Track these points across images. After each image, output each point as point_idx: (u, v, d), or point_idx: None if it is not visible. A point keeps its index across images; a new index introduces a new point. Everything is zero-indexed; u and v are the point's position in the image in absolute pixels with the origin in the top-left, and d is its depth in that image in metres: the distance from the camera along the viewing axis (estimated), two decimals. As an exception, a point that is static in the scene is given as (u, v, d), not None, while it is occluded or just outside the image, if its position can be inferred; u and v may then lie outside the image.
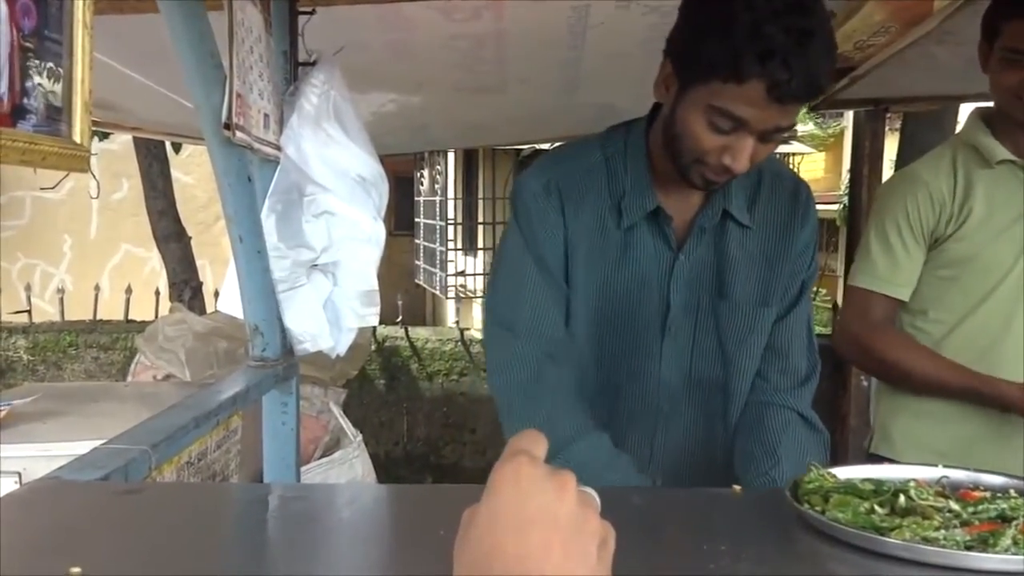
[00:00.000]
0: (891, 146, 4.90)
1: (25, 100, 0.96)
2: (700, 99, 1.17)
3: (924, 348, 1.75)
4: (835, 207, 13.19)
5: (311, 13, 1.91)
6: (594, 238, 1.34)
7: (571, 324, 1.37)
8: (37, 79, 0.98)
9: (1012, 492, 0.97)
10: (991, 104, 1.74)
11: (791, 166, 13.08)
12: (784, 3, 1.10)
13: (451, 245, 9.49)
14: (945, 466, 1.07)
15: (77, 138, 1.06)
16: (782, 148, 12.77)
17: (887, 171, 4.12)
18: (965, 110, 3.45)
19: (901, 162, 4.26)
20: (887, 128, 4.41)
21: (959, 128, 1.85)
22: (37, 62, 0.98)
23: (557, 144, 1.68)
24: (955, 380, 1.67)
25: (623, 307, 1.36)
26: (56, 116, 1.02)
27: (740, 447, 1.39)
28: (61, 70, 1.03)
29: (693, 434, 1.41)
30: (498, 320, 1.40)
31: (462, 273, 9.42)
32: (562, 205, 1.34)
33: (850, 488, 0.98)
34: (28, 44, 0.96)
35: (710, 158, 1.20)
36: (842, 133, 14.44)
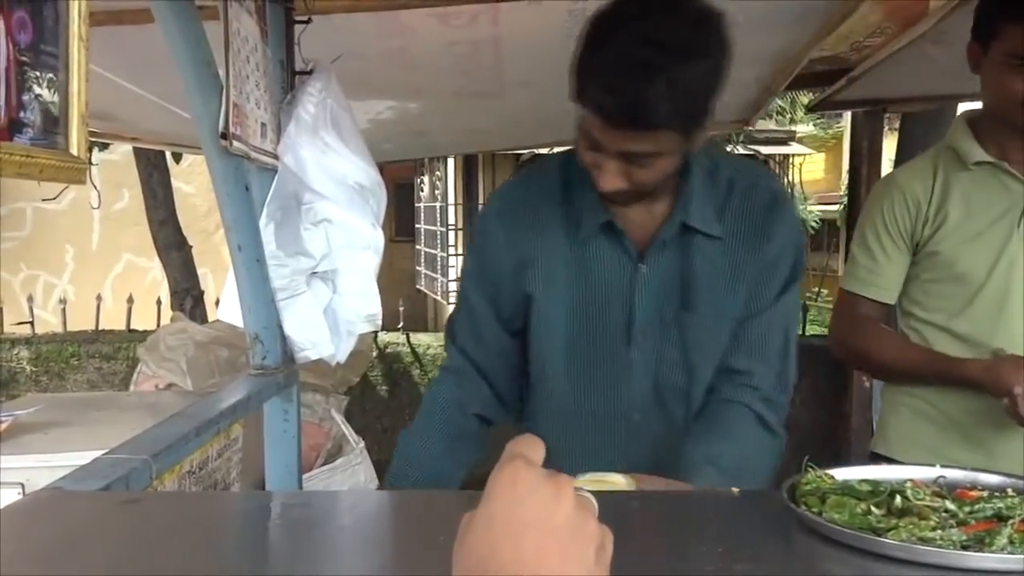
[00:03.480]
0: (890, 146, 4.91)
1: (22, 113, 0.97)
2: (579, 122, 1.25)
3: (897, 338, 1.80)
4: (836, 208, 13.19)
5: (307, 22, 1.92)
6: (555, 254, 1.40)
7: (542, 338, 1.43)
8: (34, 92, 0.99)
9: (1009, 491, 0.97)
10: (977, 107, 1.75)
11: (791, 167, 13.10)
12: (633, 38, 1.15)
13: (452, 250, 9.49)
14: (943, 466, 1.07)
15: (74, 150, 1.06)
16: (783, 150, 12.76)
17: (886, 171, 4.12)
18: (963, 109, 3.46)
19: (900, 161, 4.26)
20: (886, 128, 4.42)
21: None
22: (33, 75, 0.99)
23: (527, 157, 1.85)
24: (925, 365, 1.71)
25: (589, 319, 1.40)
26: (53, 129, 1.03)
27: (690, 432, 1.40)
28: (57, 83, 1.03)
29: (664, 442, 1.41)
30: (448, 333, 1.56)
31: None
32: (516, 226, 1.42)
33: (847, 489, 0.98)
34: (24, 58, 0.97)
35: (593, 176, 1.28)
36: (842, 134, 14.43)
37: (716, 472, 1.28)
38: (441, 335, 5.14)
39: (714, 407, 1.41)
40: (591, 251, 1.39)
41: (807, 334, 4.89)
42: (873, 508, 0.94)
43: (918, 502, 0.94)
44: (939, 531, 0.88)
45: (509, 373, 1.52)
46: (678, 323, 1.38)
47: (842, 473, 1.05)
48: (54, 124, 1.03)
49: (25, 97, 0.98)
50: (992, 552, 0.84)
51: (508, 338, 1.49)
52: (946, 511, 0.93)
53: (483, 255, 1.48)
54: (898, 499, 0.95)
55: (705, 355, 1.39)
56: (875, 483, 1.00)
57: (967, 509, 0.92)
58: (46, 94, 1.01)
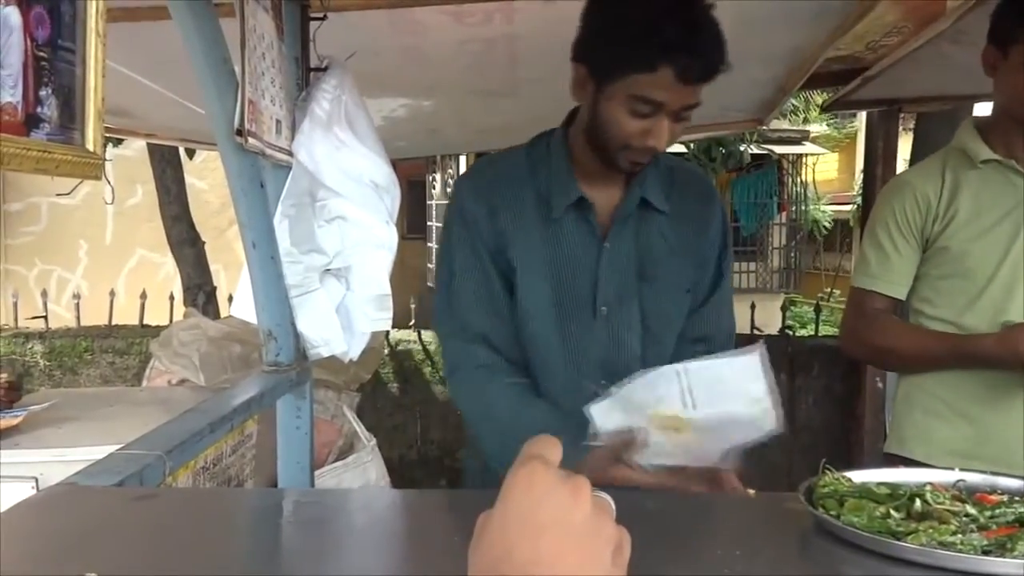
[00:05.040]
0: (905, 146, 4.88)
1: (39, 109, 0.97)
2: (619, 91, 1.34)
3: (909, 326, 1.83)
4: (849, 208, 13.14)
5: (322, 19, 1.92)
6: (529, 233, 1.48)
7: (528, 309, 1.49)
8: (51, 88, 0.99)
9: (1030, 495, 0.96)
10: (987, 111, 1.78)
11: (805, 167, 13.05)
12: (671, 1, 1.30)
13: (464, 248, 9.49)
14: (962, 469, 1.06)
15: (90, 146, 1.07)
16: (796, 149, 12.72)
17: (901, 171, 4.10)
18: (979, 110, 3.43)
19: (915, 162, 4.23)
20: (901, 128, 4.39)
21: None
22: (51, 71, 0.99)
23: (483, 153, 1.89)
24: (938, 346, 1.73)
25: (559, 294, 1.49)
26: (69, 124, 1.03)
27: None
28: (74, 79, 1.03)
29: None
30: (440, 328, 1.55)
31: (475, 276, 9.41)
32: (491, 208, 1.49)
33: (865, 492, 0.98)
34: (42, 54, 0.97)
35: (634, 141, 1.37)
36: (856, 134, 14.38)
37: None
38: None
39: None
40: (563, 228, 1.48)
41: (820, 334, 4.87)
42: (892, 511, 0.93)
43: (938, 506, 0.93)
44: (959, 535, 0.87)
45: (519, 350, 1.52)
46: (638, 294, 1.50)
47: (860, 476, 1.04)
48: (71, 120, 1.03)
49: (42, 93, 0.98)
50: (1014, 557, 0.83)
51: (510, 310, 1.51)
52: (966, 515, 0.92)
53: (471, 232, 1.50)
54: (918, 503, 0.94)
55: (662, 323, 1.52)
56: (894, 486, 0.99)
57: (988, 513, 0.91)
58: (63, 90, 1.02)
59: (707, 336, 1.57)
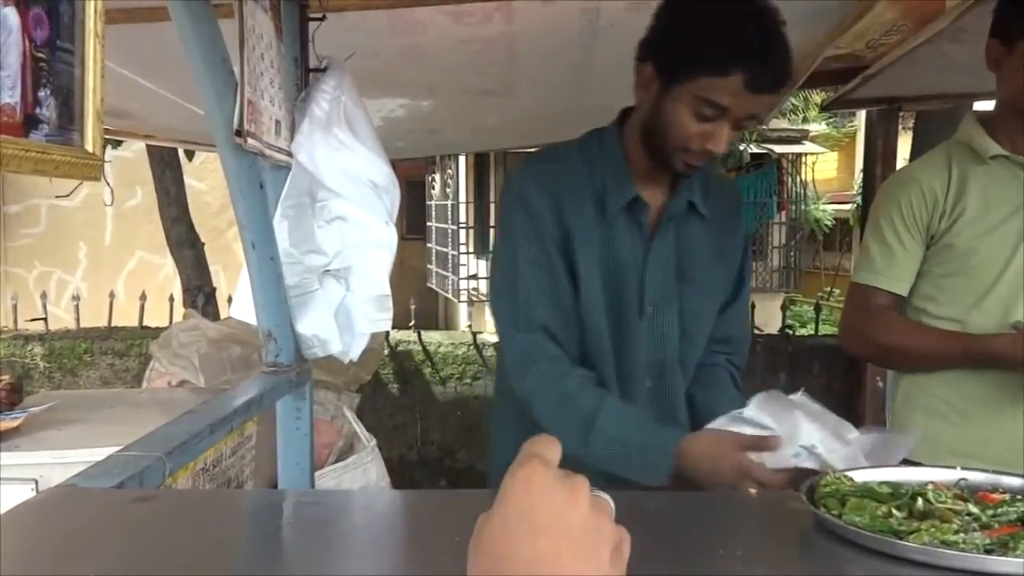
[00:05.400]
0: (904, 145, 4.88)
1: (37, 110, 0.97)
2: (686, 93, 1.35)
3: (915, 324, 1.79)
4: (848, 207, 13.14)
5: (321, 19, 1.92)
6: (588, 230, 1.49)
7: (585, 306, 1.50)
8: (49, 89, 0.99)
9: (1032, 494, 0.96)
10: (987, 108, 1.76)
11: (804, 166, 13.04)
12: (749, 8, 1.33)
13: (463, 249, 9.50)
14: (964, 468, 1.06)
15: (89, 147, 1.06)
16: (796, 148, 12.71)
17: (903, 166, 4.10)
18: (979, 108, 3.43)
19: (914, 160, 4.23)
20: (900, 127, 4.39)
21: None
22: (49, 72, 0.98)
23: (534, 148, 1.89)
24: (948, 345, 1.71)
25: (611, 292, 1.51)
26: (68, 126, 1.02)
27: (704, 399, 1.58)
28: (73, 80, 1.03)
29: (678, 405, 1.57)
30: (504, 320, 1.54)
31: (474, 277, 9.43)
32: (556, 202, 1.49)
33: (867, 491, 0.97)
34: (40, 55, 0.97)
35: (693, 144, 1.38)
36: (855, 133, 14.37)
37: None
38: (452, 333, 5.15)
39: (709, 371, 1.61)
40: (616, 226, 1.50)
41: (820, 333, 4.87)
42: (894, 511, 0.93)
43: (940, 505, 0.93)
44: (961, 535, 0.87)
45: (576, 345, 1.53)
46: (679, 293, 1.53)
47: (861, 475, 1.04)
48: (70, 121, 1.03)
49: (41, 94, 0.98)
50: (1016, 556, 0.83)
51: (572, 305, 1.51)
52: (969, 514, 0.92)
53: (537, 225, 1.49)
54: (919, 502, 0.94)
55: (699, 324, 1.57)
56: (896, 485, 0.99)
57: (990, 512, 0.91)
58: (62, 91, 1.01)
59: (730, 337, 1.63)
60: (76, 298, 5.05)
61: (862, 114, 7.19)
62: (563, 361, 1.48)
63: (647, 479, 1.35)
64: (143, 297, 4.91)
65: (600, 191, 1.50)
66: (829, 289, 12.72)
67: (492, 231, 9.38)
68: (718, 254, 1.57)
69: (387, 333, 4.51)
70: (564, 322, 1.49)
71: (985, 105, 1.98)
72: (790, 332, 4.73)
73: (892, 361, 1.89)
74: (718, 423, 1.35)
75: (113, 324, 4.92)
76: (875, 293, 1.79)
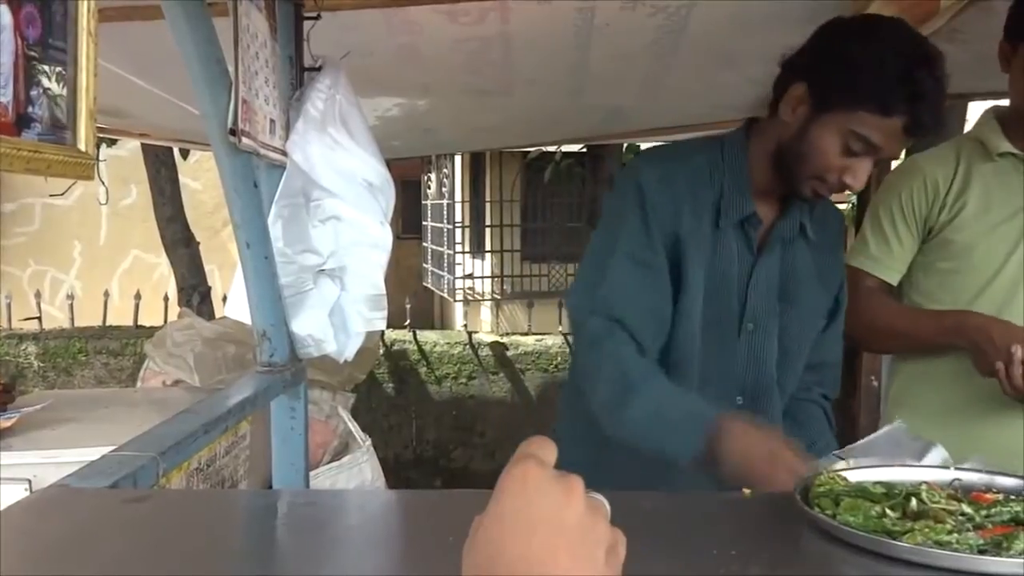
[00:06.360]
0: (900, 145, 4.88)
1: (30, 109, 0.96)
2: (839, 123, 1.32)
3: (900, 306, 1.81)
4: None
5: (316, 18, 1.91)
6: (697, 237, 1.44)
7: (682, 315, 1.44)
8: (42, 87, 0.98)
9: (1026, 494, 0.96)
10: (1005, 103, 1.75)
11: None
12: (924, 52, 1.31)
13: (459, 248, 9.49)
14: (958, 468, 1.06)
15: (82, 146, 1.06)
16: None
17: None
18: (973, 108, 3.43)
19: (909, 161, 4.23)
20: (895, 127, 4.38)
21: (968, 126, 1.86)
22: (42, 70, 0.98)
23: (656, 144, 1.83)
24: (924, 323, 1.73)
25: (710, 305, 1.46)
26: (61, 124, 1.02)
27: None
28: (66, 78, 1.03)
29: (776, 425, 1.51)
30: (580, 302, 1.48)
31: (470, 276, 9.42)
32: (676, 203, 1.44)
33: (861, 491, 0.97)
34: (33, 53, 0.96)
35: (831, 175, 1.36)
36: (850, 132, 14.37)
37: None
38: (448, 333, 5.15)
39: (803, 406, 1.61)
40: (726, 239, 1.46)
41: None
42: (888, 511, 0.93)
43: (934, 505, 0.93)
44: (955, 535, 0.87)
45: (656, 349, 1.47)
46: (780, 315, 1.50)
47: (855, 475, 1.04)
48: (62, 119, 1.03)
49: (33, 92, 0.97)
50: (1009, 556, 0.83)
51: (665, 308, 1.46)
52: (962, 514, 0.92)
53: (651, 221, 1.44)
54: (913, 502, 0.94)
55: (799, 348, 1.53)
56: (889, 485, 0.99)
57: (984, 513, 0.91)
58: (54, 89, 1.01)
59: (822, 363, 1.61)
60: (70, 297, 5.04)
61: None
62: (638, 350, 1.40)
63: (678, 447, 1.29)
64: (138, 296, 4.91)
65: (717, 201, 1.46)
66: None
67: (488, 231, 9.39)
68: (820, 277, 1.54)
69: (382, 332, 4.51)
70: (650, 324, 1.43)
71: (980, 106, 1.98)
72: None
73: (877, 341, 1.90)
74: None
75: (107, 323, 4.92)
76: (866, 277, 1.80)
